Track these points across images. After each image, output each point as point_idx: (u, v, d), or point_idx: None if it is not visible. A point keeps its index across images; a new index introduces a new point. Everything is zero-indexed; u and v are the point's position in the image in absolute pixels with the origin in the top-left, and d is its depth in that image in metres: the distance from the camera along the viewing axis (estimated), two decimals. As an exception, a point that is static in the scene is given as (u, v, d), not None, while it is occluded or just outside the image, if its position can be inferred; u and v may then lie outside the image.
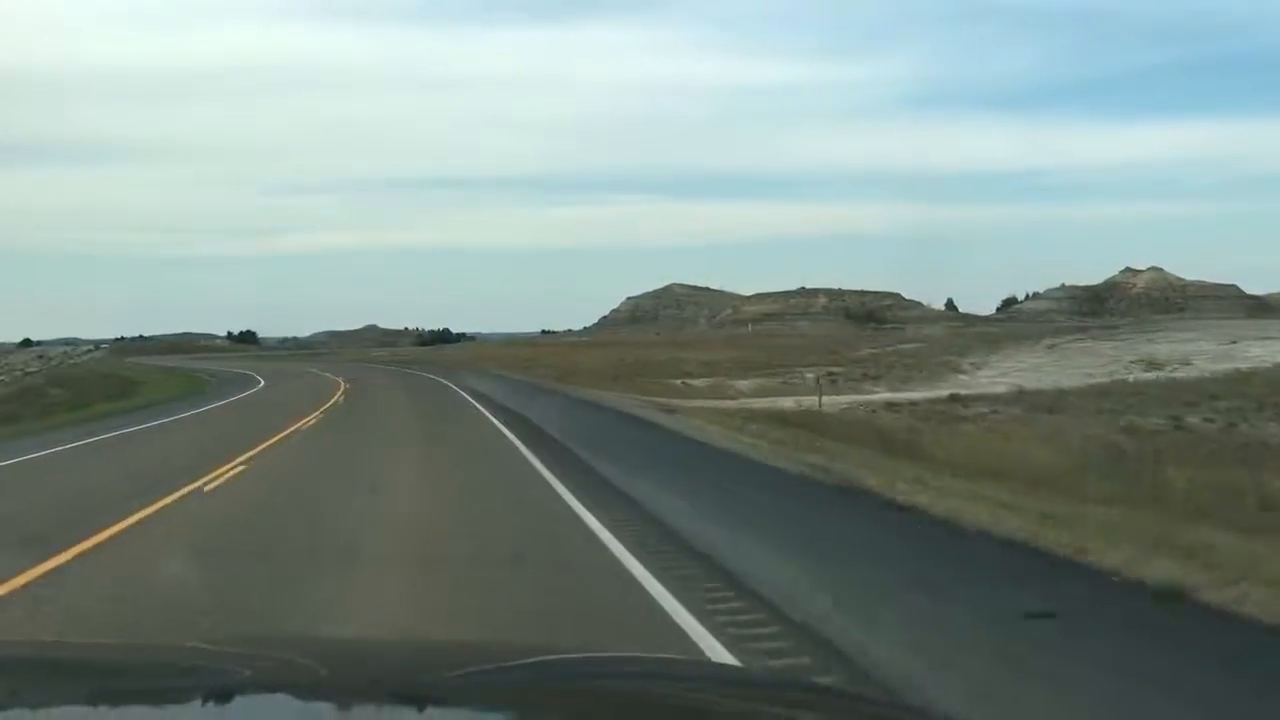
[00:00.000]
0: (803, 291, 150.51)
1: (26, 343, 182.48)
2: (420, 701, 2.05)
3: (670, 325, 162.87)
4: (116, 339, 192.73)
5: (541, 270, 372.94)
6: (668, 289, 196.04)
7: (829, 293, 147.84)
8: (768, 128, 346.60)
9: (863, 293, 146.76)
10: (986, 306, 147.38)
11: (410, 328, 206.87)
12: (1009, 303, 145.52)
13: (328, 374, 55.02)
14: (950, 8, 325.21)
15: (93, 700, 2.10)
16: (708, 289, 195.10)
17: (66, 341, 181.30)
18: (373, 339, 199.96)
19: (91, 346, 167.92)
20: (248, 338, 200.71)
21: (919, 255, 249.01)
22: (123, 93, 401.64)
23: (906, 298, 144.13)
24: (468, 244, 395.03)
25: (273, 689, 2.23)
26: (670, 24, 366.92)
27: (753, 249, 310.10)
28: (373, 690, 2.16)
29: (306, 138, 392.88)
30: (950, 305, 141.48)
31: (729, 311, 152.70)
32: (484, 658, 2.82)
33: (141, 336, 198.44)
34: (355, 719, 2.01)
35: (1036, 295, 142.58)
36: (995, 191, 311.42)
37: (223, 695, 2.12)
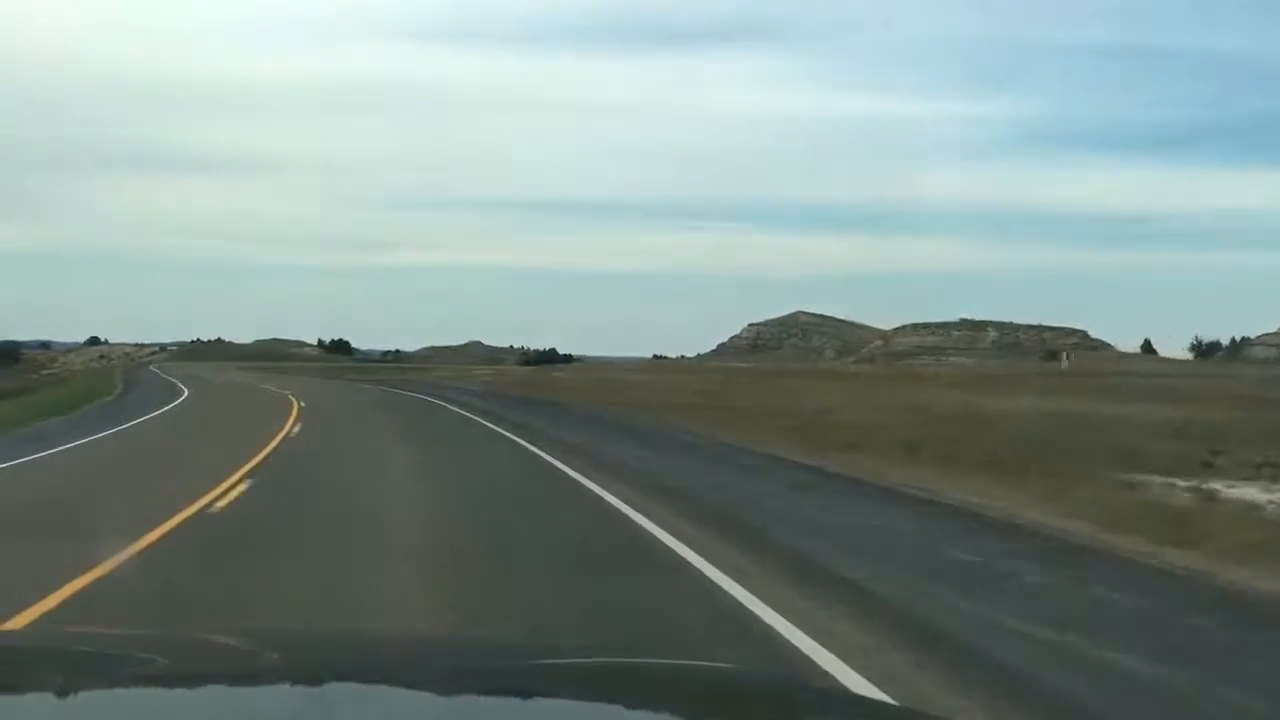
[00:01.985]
0: (966, 324, 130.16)
1: (93, 340, 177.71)
2: (428, 693, 2.15)
3: (796, 355, 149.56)
4: (193, 341, 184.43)
5: (652, 294, 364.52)
6: (793, 316, 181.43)
7: (999, 326, 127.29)
8: (888, 160, 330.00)
9: (1040, 328, 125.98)
10: (1172, 349, 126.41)
11: (516, 346, 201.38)
12: (1209, 348, 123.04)
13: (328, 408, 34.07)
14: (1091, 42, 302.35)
15: (105, 686, 2.18)
16: (835, 319, 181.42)
17: (139, 344, 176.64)
18: (477, 356, 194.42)
19: (157, 348, 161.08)
20: (340, 347, 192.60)
21: (1100, 292, 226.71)
22: (243, 107, 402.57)
23: (1093, 335, 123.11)
24: (577, 266, 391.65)
25: (284, 679, 2.28)
26: (790, 55, 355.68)
27: (878, 281, 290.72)
28: (383, 683, 2.21)
29: (420, 156, 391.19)
30: (1148, 347, 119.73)
31: (878, 344, 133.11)
32: (496, 653, 2.96)
33: (220, 340, 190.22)
34: (361, 710, 2.04)
35: (1250, 340, 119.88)
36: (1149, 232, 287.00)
37: (234, 684, 2.21)
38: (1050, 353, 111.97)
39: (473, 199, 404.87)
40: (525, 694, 2.22)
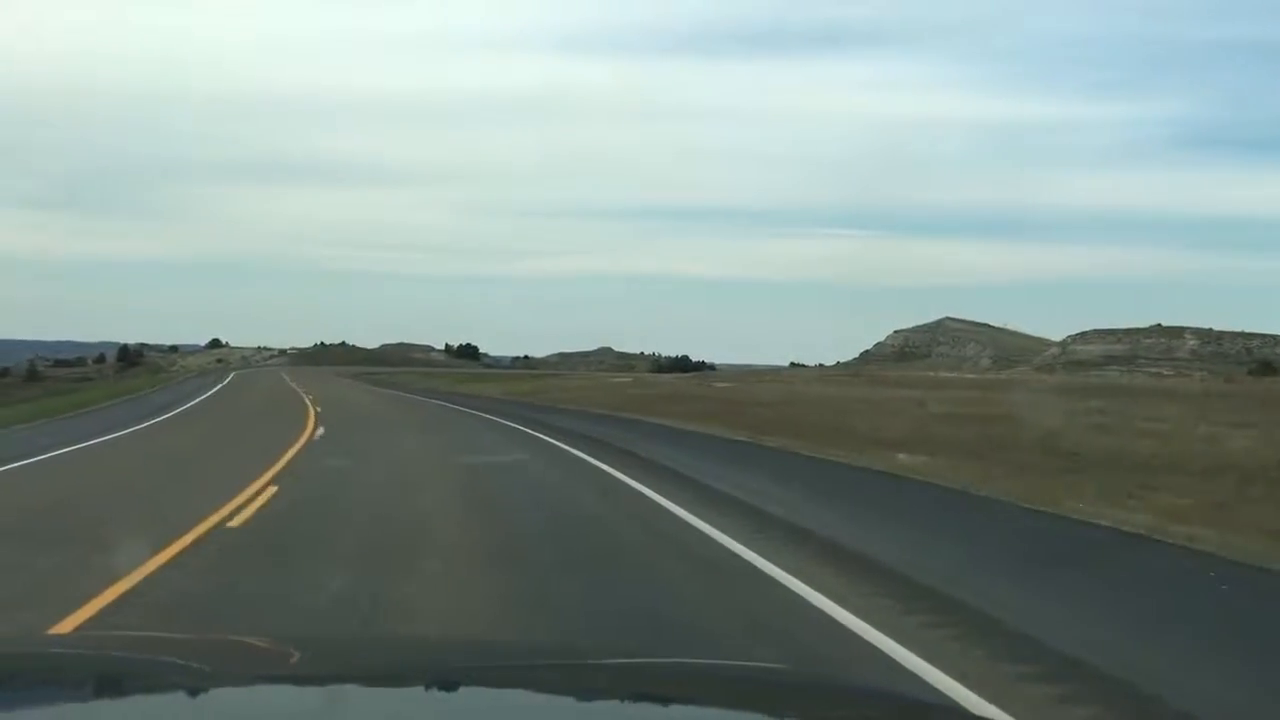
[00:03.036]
0: (1159, 330, 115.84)
1: (214, 344, 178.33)
2: (446, 693, 2.18)
3: (947, 363, 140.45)
4: (315, 345, 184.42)
5: (787, 301, 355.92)
6: (940, 323, 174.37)
7: (1198, 332, 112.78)
8: (1028, 165, 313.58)
9: (1247, 335, 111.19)
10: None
11: (646, 353, 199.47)
12: None
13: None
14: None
15: (125, 690, 2.23)
16: (988, 325, 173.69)
17: (259, 348, 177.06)
18: (607, 363, 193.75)
19: (277, 352, 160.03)
20: (468, 352, 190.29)
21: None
22: (374, 119, 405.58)
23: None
24: (710, 273, 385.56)
25: (305, 682, 2.29)
26: (913, 59, 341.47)
27: (1029, 288, 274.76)
28: (404, 684, 2.24)
29: (551, 165, 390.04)
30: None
31: (1054, 352, 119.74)
32: (522, 655, 3.08)
33: (343, 343, 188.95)
34: (382, 711, 2.07)
35: None
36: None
37: (254, 686, 2.22)
38: (1263, 363, 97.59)
39: (604, 207, 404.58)
40: (551, 694, 2.24)
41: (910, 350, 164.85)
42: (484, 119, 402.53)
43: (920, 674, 6.00)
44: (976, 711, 4.58)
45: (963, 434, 20.82)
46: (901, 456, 17.17)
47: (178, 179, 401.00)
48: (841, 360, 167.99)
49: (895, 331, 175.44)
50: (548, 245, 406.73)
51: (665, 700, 2.24)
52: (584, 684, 2.38)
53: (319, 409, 36.22)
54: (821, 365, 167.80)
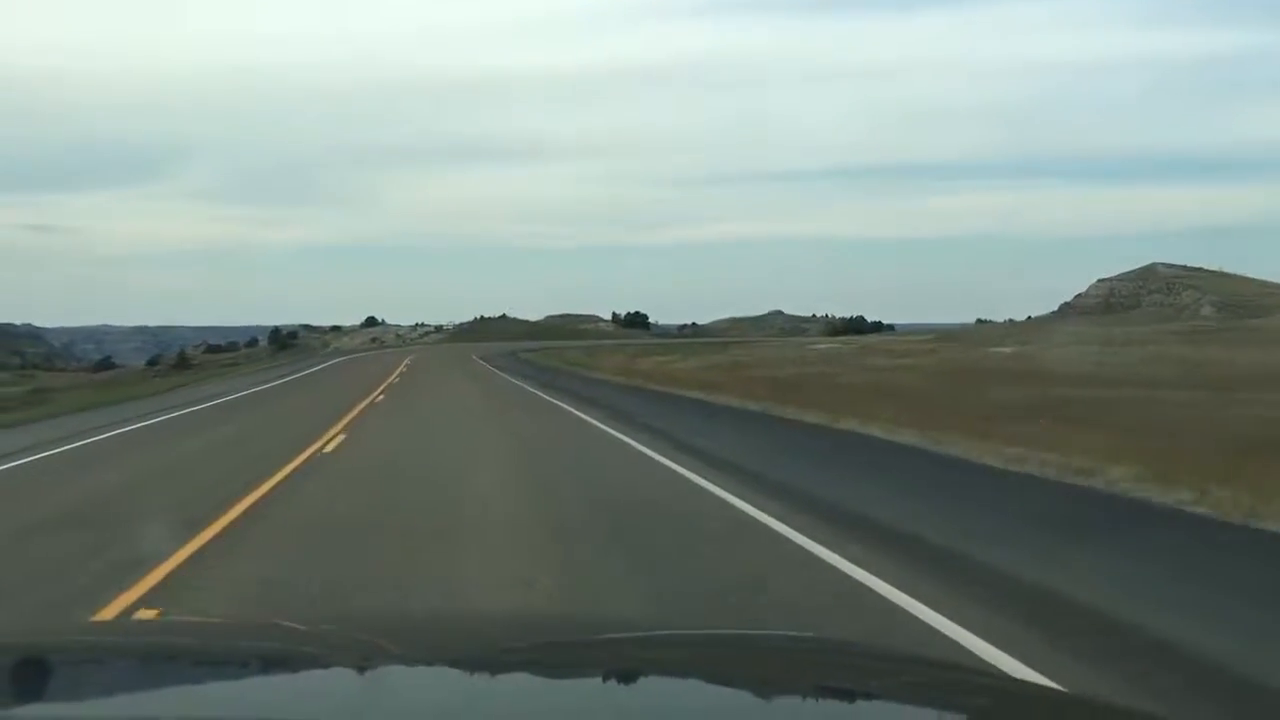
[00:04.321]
0: None
1: (369, 322, 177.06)
2: (494, 675, 2.15)
3: (1162, 314, 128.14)
4: (474, 319, 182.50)
5: (962, 258, 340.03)
6: (1150, 269, 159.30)
7: None
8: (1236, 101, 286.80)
9: None
10: None
11: (819, 315, 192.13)
12: None
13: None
14: None
15: (179, 679, 2.24)
16: (1207, 270, 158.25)
17: (415, 325, 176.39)
18: (778, 326, 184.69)
19: (432, 328, 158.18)
20: (637, 320, 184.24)
21: None
22: (537, 96, 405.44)
23: None
24: (878, 233, 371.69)
25: (354, 666, 2.26)
26: None
27: (1243, 232, 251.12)
28: (458, 665, 2.23)
29: (711, 132, 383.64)
30: None
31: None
32: (570, 629, 3.07)
33: (504, 316, 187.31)
34: (440, 694, 2.04)
35: None
36: None
37: (307, 672, 2.26)
38: None
39: (766, 171, 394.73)
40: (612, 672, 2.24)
41: (1116, 301, 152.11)
42: (644, 88, 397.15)
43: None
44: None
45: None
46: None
47: (341, 167, 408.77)
48: (1033, 315, 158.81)
49: (1098, 281, 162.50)
50: (711, 211, 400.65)
51: (718, 672, 2.26)
52: (609, 657, 2.41)
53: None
54: (1011, 320, 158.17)
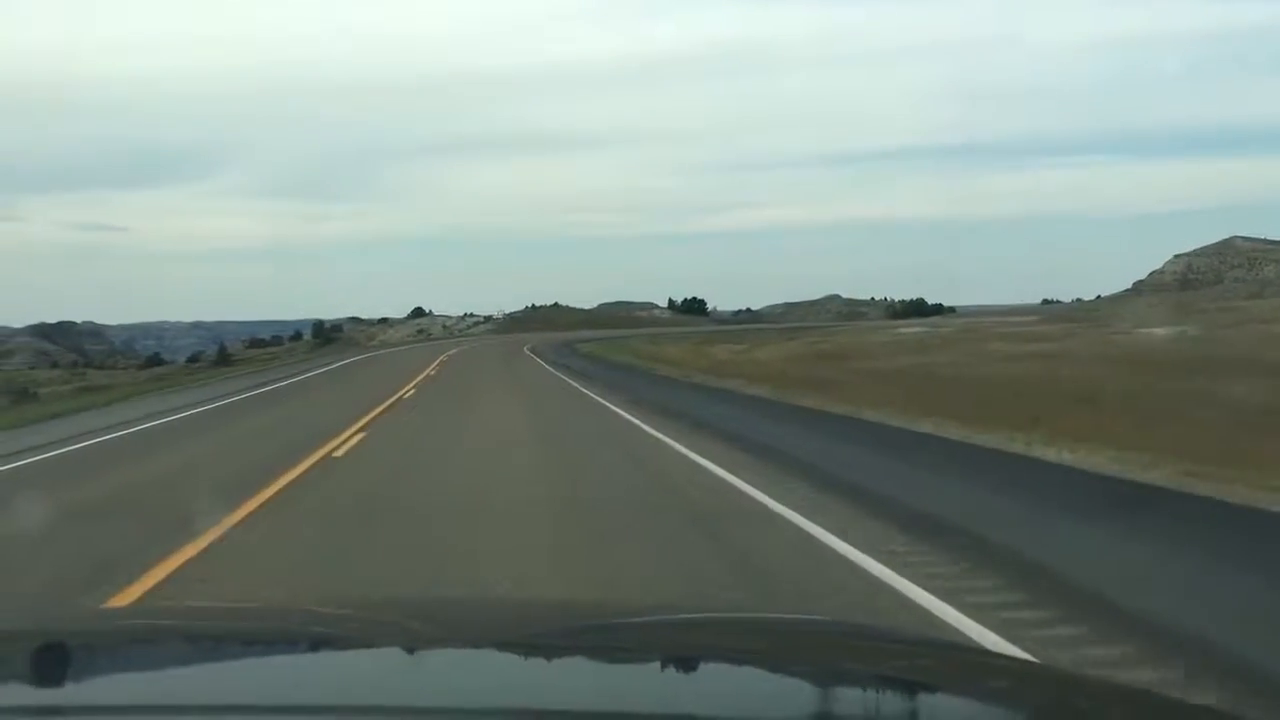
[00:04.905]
0: None
1: (417, 312, 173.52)
2: (526, 657, 2.12)
3: (1246, 289, 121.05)
4: (526, 308, 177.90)
5: (1024, 237, 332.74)
6: (1228, 244, 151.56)
7: None
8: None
9: None
10: None
11: (877, 298, 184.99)
12: None
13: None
14: None
15: (201, 661, 2.21)
16: None
17: (463, 316, 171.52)
18: (834, 310, 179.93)
19: (481, 318, 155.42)
20: (694, 307, 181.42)
21: None
22: (576, 85, 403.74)
23: None
24: (934, 214, 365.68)
25: (378, 649, 2.23)
26: None
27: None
28: (481, 649, 2.19)
29: (764, 116, 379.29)
30: None
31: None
32: (597, 614, 2.96)
33: (556, 304, 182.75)
34: (461, 679, 1.99)
35: None
36: None
37: (329, 654, 2.22)
38: None
39: (820, 154, 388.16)
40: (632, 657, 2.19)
41: (1194, 277, 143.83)
42: (686, 75, 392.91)
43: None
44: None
45: None
46: None
47: (393, 161, 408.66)
48: (1104, 295, 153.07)
49: (1175, 256, 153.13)
50: (762, 197, 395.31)
51: (737, 655, 2.22)
52: (621, 642, 2.35)
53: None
54: (1078, 300, 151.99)
